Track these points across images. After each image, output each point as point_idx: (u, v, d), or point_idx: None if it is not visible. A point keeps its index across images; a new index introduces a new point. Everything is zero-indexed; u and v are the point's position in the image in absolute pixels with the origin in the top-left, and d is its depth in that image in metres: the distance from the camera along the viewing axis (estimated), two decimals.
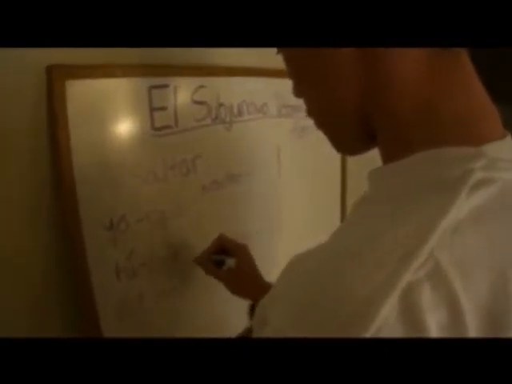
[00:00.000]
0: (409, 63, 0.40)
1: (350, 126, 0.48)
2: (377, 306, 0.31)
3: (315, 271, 0.38)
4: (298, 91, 0.54)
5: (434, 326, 0.32)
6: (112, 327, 0.79)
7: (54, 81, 0.67)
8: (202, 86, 0.91)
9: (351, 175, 1.53)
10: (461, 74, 0.41)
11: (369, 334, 0.31)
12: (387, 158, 0.44)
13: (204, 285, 0.97)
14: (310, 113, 0.52)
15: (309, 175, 1.33)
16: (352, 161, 1.49)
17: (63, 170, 0.69)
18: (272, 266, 1.11)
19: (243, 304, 0.98)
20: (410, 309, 0.32)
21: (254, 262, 0.92)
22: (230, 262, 0.89)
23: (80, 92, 0.70)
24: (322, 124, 0.52)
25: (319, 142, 1.24)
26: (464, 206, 0.35)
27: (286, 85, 1.13)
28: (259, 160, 1.11)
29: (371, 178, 0.47)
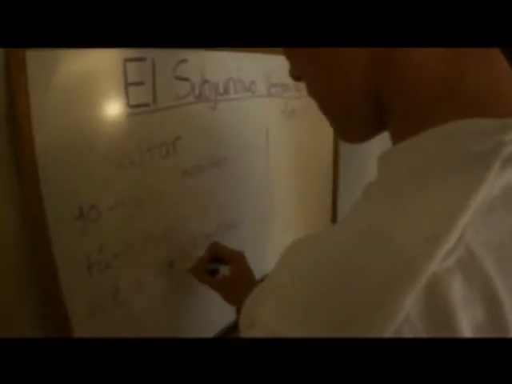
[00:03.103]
0: None
1: (358, 108, 0.43)
2: (397, 299, 0.26)
3: (319, 259, 0.33)
4: (297, 71, 0.49)
5: (468, 326, 0.27)
6: (84, 325, 0.72)
7: (13, 51, 0.58)
8: (184, 61, 0.82)
9: (344, 159, 1.47)
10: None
11: (388, 334, 0.26)
12: (402, 136, 0.39)
13: (185, 277, 0.91)
14: (313, 95, 0.48)
15: (299, 159, 1.26)
16: (344, 144, 1.43)
17: (24, 153, 0.61)
18: (261, 256, 1.06)
19: None
20: (436, 304, 0.27)
21: (249, 269, 0.89)
22: (224, 270, 0.87)
23: (43, 64, 0.61)
24: (326, 108, 0.48)
25: (311, 123, 1.18)
26: (496, 182, 0.31)
27: (276, 62, 1.07)
28: (246, 143, 1.04)
29: (383, 160, 0.42)
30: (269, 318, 0.33)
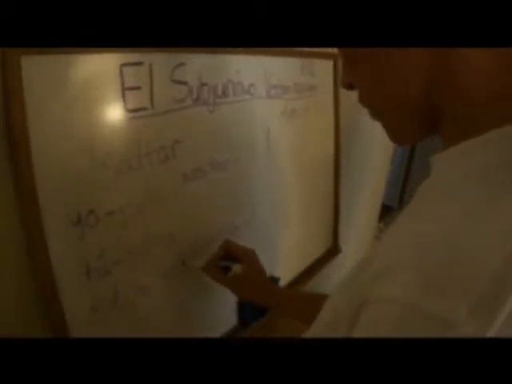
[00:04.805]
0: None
1: (412, 113, 0.47)
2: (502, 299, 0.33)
3: (435, 242, 0.37)
4: (351, 79, 0.52)
5: None
6: (83, 331, 0.72)
7: (8, 57, 0.58)
8: (181, 64, 0.82)
9: (344, 160, 1.46)
10: None
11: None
12: (456, 138, 0.42)
13: (186, 281, 0.90)
14: (365, 102, 0.51)
15: (301, 160, 1.25)
16: (345, 144, 1.42)
17: (20, 159, 0.60)
18: (266, 257, 1.05)
19: (227, 301, 0.92)
20: None
21: (261, 266, 0.92)
22: (236, 268, 0.88)
23: (39, 70, 0.61)
24: (380, 114, 0.51)
25: (311, 124, 1.17)
26: None
27: (275, 64, 1.06)
28: (246, 145, 1.03)
29: (441, 160, 0.45)
30: (400, 291, 0.36)
